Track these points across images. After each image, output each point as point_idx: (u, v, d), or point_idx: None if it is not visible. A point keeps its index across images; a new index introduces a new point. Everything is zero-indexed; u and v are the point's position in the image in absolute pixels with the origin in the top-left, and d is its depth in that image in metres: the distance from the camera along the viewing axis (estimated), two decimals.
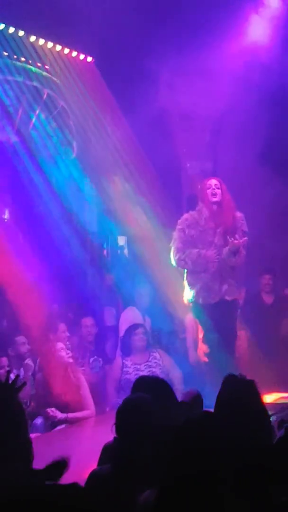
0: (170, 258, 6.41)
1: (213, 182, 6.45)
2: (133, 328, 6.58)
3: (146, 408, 2.76)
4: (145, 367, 6.30)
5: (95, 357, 6.71)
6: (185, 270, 6.42)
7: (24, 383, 2.86)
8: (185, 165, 9.20)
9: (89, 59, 8.32)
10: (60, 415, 5.56)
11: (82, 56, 8.27)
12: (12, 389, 2.78)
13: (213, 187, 6.40)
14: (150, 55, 7.88)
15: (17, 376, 2.84)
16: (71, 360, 5.93)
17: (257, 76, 7.95)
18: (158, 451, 2.51)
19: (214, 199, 6.37)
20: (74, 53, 8.18)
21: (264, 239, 7.65)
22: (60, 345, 5.95)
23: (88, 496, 2.13)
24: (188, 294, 6.35)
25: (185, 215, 6.51)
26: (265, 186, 8.38)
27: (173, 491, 2.05)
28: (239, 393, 2.70)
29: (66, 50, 8.12)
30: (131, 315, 7.18)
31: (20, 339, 6.29)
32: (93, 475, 2.83)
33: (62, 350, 5.88)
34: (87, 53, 8.26)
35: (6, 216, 8.51)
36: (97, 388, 6.26)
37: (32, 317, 7.14)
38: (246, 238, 6.33)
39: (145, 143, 8.20)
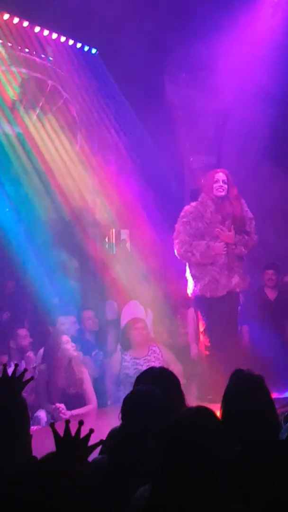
0: (174, 251, 6.31)
1: (221, 176, 6.21)
2: (132, 322, 6.52)
3: (155, 401, 2.71)
4: (144, 361, 6.25)
5: (97, 350, 6.69)
6: (187, 264, 6.32)
7: (32, 378, 2.82)
8: (188, 159, 9.15)
9: (93, 50, 8.29)
10: (67, 413, 5.53)
11: (86, 48, 8.24)
12: (18, 383, 2.74)
13: (221, 182, 6.19)
14: (155, 47, 7.85)
15: (25, 370, 2.79)
16: (75, 354, 5.91)
17: (262, 72, 7.90)
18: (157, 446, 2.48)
19: (220, 194, 6.22)
20: (79, 45, 8.14)
21: (268, 235, 7.61)
22: (65, 338, 5.92)
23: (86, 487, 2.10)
24: (192, 287, 6.25)
25: (188, 208, 6.33)
26: (269, 181, 8.35)
27: (166, 486, 2.02)
28: (248, 388, 2.67)
29: (70, 42, 8.08)
30: (133, 309, 7.14)
31: (22, 332, 6.28)
32: (92, 464, 2.79)
33: (68, 343, 5.85)
34: (91, 45, 8.22)
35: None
36: (98, 382, 6.24)
37: (34, 310, 7.14)
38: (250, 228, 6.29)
39: (148, 136, 8.17)
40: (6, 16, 7.40)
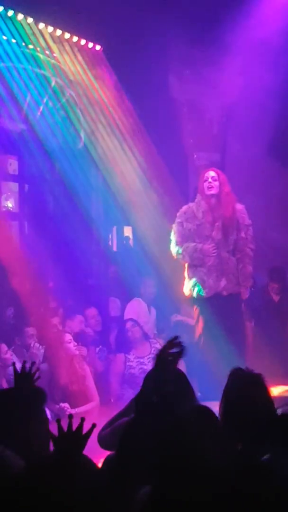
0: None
1: (210, 174, 6.29)
2: (123, 323, 6.67)
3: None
4: (148, 360, 6.28)
5: (100, 347, 6.70)
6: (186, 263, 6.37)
7: (38, 377, 2.93)
8: (192, 156, 9.13)
9: (98, 47, 8.26)
10: (70, 411, 5.55)
11: (90, 45, 8.20)
12: (30, 378, 2.88)
13: (210, 179, 6.26)
14: (159, 44, 7.83)
15: (33, 362, 2.92)
16: (77, 352, 5.94)
17: (267, 68, 7.87)
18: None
19: (210, 192, 6.25)
20: (83, 41, 8.11)
21: (272, 232, 7.60)
22: (68, 336, 5.96)
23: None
24: (187, 286, 6.33)
25: (184, 208, 6.39)
26: (273, 178, 8.34)
27: (165, 487, 2.01)
28: (246, 386, 2.67)
29: (75, 38, 8.04)
30: (136, 307, 7.17)
31: (29, 330, 6.27)
32: (107, 460, 2.75)
33: (70, 342, 5.89)
34: (95, 42, 8.18)
35: (11, 204, 8.48)
36: (102, 378, 6.26)
37: (37, 306, 7.14)
38: (250, 232, 6.30)
39: (152, 133, 8.16)
40: (10, 12, 7.39)
